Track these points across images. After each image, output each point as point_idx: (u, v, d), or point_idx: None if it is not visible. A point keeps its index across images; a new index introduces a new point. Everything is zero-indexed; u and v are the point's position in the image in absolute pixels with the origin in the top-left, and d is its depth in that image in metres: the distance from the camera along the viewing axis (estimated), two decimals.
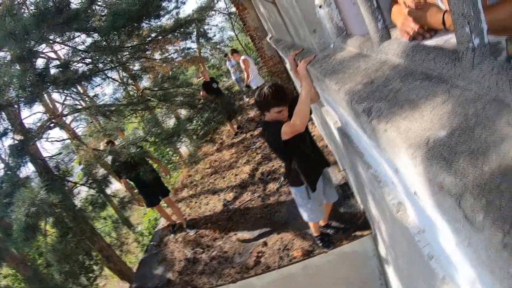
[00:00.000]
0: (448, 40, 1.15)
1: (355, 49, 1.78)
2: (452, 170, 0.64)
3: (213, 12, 10.35)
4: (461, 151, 0.67)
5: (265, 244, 3.98)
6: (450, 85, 0.94)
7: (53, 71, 4.03)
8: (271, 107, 2.40)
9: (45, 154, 5.92)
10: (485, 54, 0.84)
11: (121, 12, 4.23)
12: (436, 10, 1.23)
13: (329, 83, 1.58)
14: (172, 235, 5.13)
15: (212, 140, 4.76)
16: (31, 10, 5.62)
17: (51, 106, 11.50)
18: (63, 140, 6.40)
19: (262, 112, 2.54)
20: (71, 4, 4.57)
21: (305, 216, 3.08)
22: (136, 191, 4.72)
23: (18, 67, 3.61)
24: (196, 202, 5.90)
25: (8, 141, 3.98)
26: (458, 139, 0.71)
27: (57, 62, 7.45)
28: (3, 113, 4.34)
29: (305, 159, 2.76)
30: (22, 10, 5.14)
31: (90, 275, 6.48)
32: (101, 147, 4.24)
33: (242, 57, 7.80)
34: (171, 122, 5.95)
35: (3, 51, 3.99)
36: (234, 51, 8.34)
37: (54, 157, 5.97)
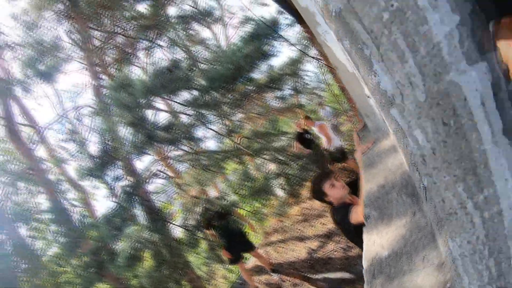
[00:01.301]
0: None
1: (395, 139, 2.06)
2: (369, 286, 0.97)
3: (306, 58, 10.88)
4: (384, 272, 1.00)
5: None
6: (419, 208, 1.23)
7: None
8: (322, 187, 2.31)
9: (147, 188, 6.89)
10: None
11: (217, 75, 5.02)
12: None
13: (362, 178, 1.91)
14: None
15: (297, 194, 5.07)
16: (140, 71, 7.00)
17: (158, 148, 13.33)
18: (167, 177, 7.37)
19: (325, 200, 2.41)
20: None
21: None
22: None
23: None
24: (283, 248, 6.29)
25: (121, 181, 4.91)
26: (388, 262, 1.03)
27: (164, 114, 8.83)
28: (119, 163, 5.42)
29: None
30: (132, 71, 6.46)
31: None
32: (194, 193, 4.86)
33: (318, 123, 7.13)
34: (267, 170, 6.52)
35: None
36: (307, 117, 7.42)
37: (157, 195, 6.87)
